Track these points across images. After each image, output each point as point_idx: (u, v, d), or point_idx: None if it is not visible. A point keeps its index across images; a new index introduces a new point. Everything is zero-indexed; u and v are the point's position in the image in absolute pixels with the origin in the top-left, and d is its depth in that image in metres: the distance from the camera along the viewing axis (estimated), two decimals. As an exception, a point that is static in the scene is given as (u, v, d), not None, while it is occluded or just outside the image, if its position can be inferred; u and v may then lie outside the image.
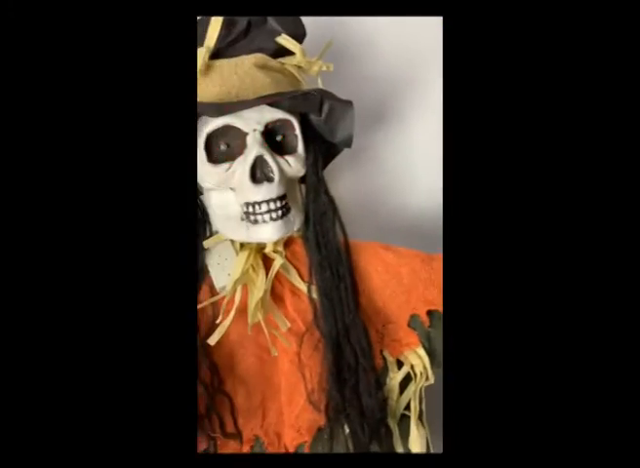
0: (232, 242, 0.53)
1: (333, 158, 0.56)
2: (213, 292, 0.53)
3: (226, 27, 0.47)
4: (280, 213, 0.47)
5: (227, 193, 0.48)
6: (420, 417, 0.54)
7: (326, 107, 0.48)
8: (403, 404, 0.54)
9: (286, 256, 0.53)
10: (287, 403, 0.55)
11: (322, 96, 0.47)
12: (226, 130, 0.46)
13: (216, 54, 0.47)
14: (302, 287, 0.54)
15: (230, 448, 0.54)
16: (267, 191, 0.46)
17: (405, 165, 0.69)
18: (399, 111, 0.67)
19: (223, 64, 0.48)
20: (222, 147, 0.47)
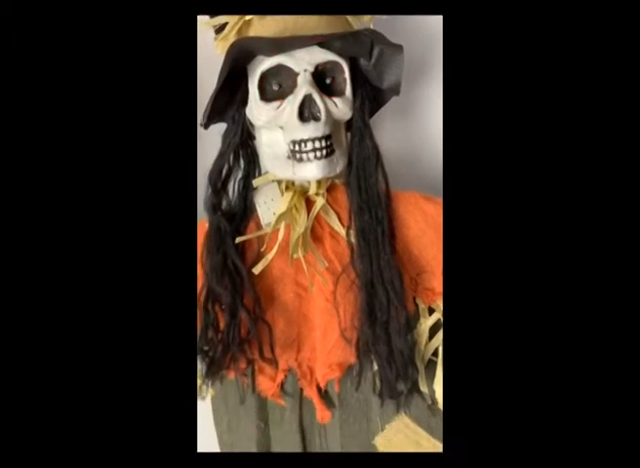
0: (279, 183, 0.57)
1: (380, 106, 0.57)
2: (259, 228, 0.57)
3: None
4: (325, 152, 0.50)
5: (277, 132, 0.51)
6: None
7: (376, 51, 0.49)
8: (431, 349, 0.56)
9: (327, 201, 0.56)
10: (321, 339, 0.58)
11: (373, 38, 0.49)
12: (279, 70, 0.49)
13: (273, -5, 0.50)
14: (341, 231, 0.56)
15: (267, 374, 0.59)
16: (313, 129, 0.49)
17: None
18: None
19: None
20: (275, 87, 0.50)
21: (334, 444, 0.61)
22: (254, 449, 0.62)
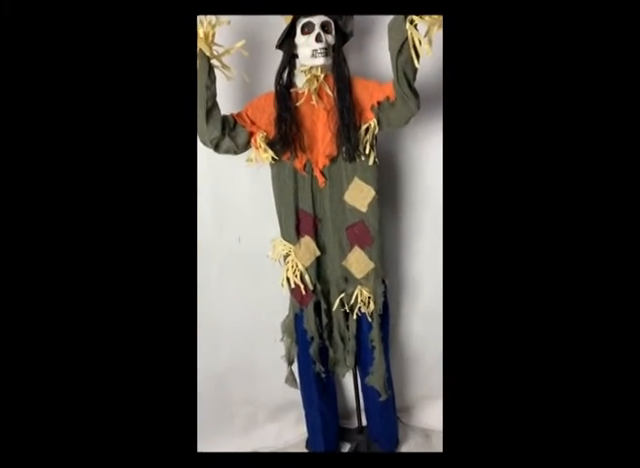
0: (304, 72, 1.38)
1: (346, 41, 1.40)
2: (296, 90, 1.39)
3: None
4: (324, 53, 1.31)
5: (306, 47, 1.33)
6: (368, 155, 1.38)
7: (344, 18, 1.33)
8: (363, 134, 1.38)
9: (324, 79, 1.38)
10: (321, 144, 1.41)
11: (344, 15, 1.32)
12: (308, 23, 1.31)
13: None
14: (329, 91, 1.39)
15: (299, 160, 1.40)
16: (320, 45, 1.31)
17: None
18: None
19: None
20: (306, 29, 1.32)
21: (326, 200, 1.43)
22: (292, 201, 1.43)
